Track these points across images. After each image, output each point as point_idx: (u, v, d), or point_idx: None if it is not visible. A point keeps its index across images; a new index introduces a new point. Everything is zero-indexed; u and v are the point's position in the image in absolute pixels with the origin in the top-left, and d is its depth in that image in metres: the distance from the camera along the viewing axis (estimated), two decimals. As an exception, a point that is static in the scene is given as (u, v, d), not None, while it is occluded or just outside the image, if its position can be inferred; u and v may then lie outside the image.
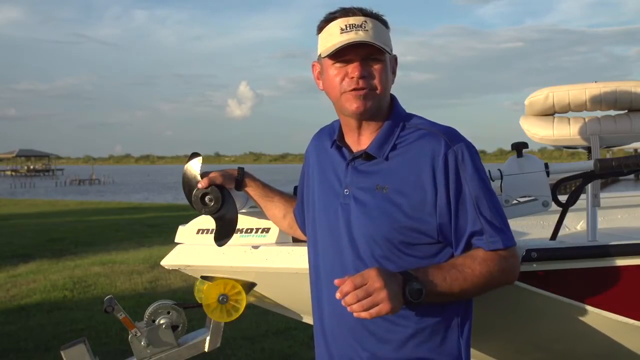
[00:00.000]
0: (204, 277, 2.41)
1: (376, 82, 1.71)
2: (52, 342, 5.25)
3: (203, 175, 2.07)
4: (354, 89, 1.71)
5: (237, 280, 2.37)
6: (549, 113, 2.86)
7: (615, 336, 2.26)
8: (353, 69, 1.70)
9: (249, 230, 2.29)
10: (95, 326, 5.69)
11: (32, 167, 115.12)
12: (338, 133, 1.85)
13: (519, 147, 2.33)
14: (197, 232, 2.34)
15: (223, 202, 2.05)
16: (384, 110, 1.78)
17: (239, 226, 2.16)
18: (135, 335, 2.38)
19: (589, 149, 2.79)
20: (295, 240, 2.24)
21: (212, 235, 2.14)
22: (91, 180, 70.16)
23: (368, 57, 1.70)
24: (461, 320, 1.75)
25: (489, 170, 2.13)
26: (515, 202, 2.29)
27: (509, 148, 2.42)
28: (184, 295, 6.34)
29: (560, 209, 2.35)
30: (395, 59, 1.80)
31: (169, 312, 2.43)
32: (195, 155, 2.12)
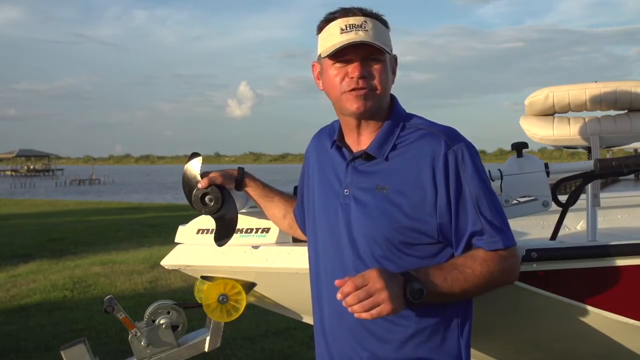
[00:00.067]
0: (204, 277, 2.41)
1: (376, 82, 1.71)
2: (52, 342, 5.25)
3: (203, 175, 2.07)
4: (354, 89, 1.71)
5: (237, 280, 2.37)
6: (549, 113, 2.86)
7: (615, 336, 2.26)
8: (353, 69, 1.70)
9: (249, 230, 2.29)
10: (95, 326, 5.70)
11: (32, 167, 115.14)
12: (338, 133, 1.85)
13: (519, 147, 2.33)
14: (197, 232, 2.34)
15: (223, 202, 2.05)
16: (384, 110, 1.77)
17: (239, 226, 2.16)
18: (135, 335, 2.38)
19: (589, 149, 2.79)
20: (295, 240, 2.24)
21: (212, 235, 2.14)
22: (91, 180, 70.16)
23: (368, 57, 1.70)
24: (461, 321, 1.75)
25: (489, 170, 2.13)
26: (515, 202, 2.29)
27: (509, 148, 2.43)
28: (184, 295, 6.34)
29: (560, 209, 2.35)
30: (395, 59, 1.80)
31: (169, 312, 2.43)
32: (195, 155, 2.12)
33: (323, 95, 1.83)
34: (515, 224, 2.22)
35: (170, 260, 2.38)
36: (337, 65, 1.73)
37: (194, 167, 2.10)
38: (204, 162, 2.10)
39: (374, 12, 1.74)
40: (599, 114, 2.83)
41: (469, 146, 1.72)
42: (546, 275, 2.12)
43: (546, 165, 2.30)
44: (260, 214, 2.23)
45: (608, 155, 3.05)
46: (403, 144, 1.74)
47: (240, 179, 2.09)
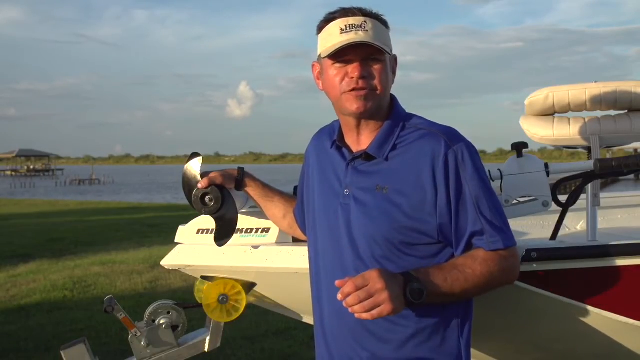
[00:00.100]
0: (204, 277, 2.41)
1: (376, 82, 1.71)
2: (52, 342, 5.25)
3: (203, 175, 2.07)
4: (354, 89, 1.71)
5: (237, 280, 2.37)
6: (549, 113, 2.86)
7: (615, 336, 2.26)
8: (353, 69, 1.70)
9: (249, 230, 2.29)
10: (95, 326, 5.70)
11: (32, 167, 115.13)
12: (338, 133, 1.85)
13: (519, 147, 2.33)
14: (197, 232, 2.34)
15: (223, 202, 2.05)
16: (384, 110, 1.77)
17: (239, 226, 2.16)
18: (135, 335, 2.38)
19: (589, 149, 2.79)
20: (295, 240, 2.24)
21: (212, 235, 2.14)
22: (91, 180, 70.16)
23: (368, 57, 1.70)
24: (461, 321, 1.75)
25: (489, 170, 2.13)
26: (515, 202, 2.29)
27: (509, 148, 2.43)
28: (184, 295, 6.34)
29: (560, 209, 2.35)
30: (395, 59, 1.80)
31: (169, 312, 2.43)
32: (195, 155, 2.12)
33: (323, 95, 1.83)
34: (515, 224, 2.22)
35: (170, 260, 2.38)
36: (337, 65, 1.73)
37: (194, 167, 2.10)
38: (204, 162, 2.10)
39: (374, 12, 1.74)
40: (599, 114, 2.83)
41: (469, 146, 1.72)
42: (546, 275, 2.12)
43: (546, 165, 2.30)
44: (260, 214, 2.23)
45: (608, 155, 3.05)
46: (403, 144, 1.74)
47: (240, 179, 2.09)
